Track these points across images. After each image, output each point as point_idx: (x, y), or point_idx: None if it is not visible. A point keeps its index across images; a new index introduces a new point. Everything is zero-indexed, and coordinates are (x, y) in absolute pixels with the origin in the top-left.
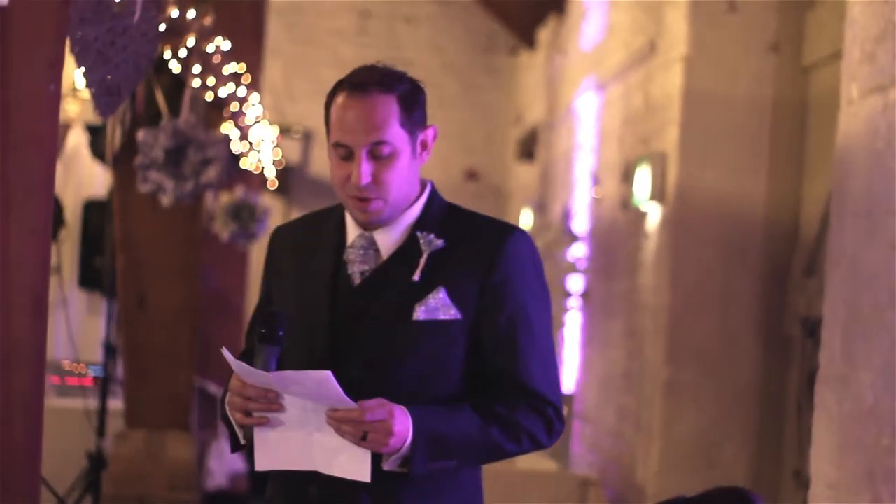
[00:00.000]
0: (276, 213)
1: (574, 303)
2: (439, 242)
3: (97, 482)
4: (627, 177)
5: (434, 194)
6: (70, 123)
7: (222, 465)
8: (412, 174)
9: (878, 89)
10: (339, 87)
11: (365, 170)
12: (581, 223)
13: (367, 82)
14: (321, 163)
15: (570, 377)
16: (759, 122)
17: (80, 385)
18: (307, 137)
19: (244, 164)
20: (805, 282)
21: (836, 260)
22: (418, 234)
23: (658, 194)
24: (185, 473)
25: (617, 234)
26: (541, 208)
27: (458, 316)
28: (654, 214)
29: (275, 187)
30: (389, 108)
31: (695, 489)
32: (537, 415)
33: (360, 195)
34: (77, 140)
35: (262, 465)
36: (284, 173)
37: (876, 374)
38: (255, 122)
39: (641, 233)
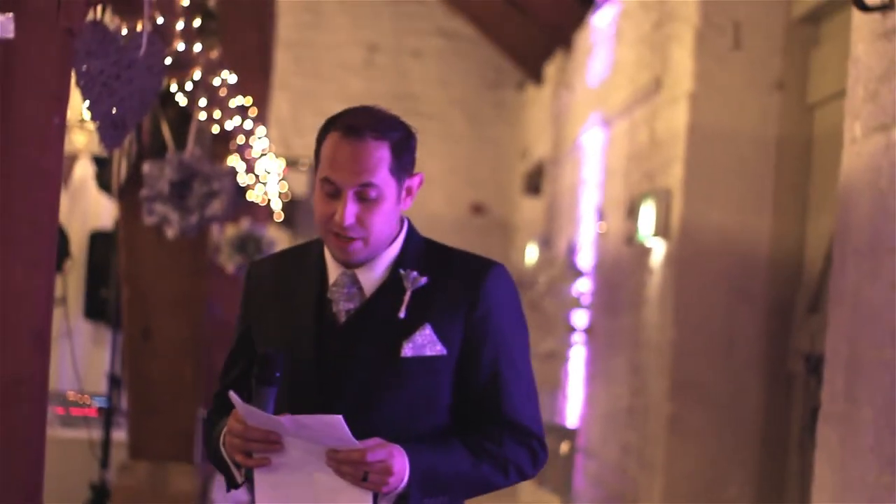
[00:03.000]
0: (283, 245)
1: (578, 338)
2: (423, 280)
3: None
4: (632, 212)
5: (412, 231)
6: (77, 155)
7: (226, 497)
8: (394, 218)
9: (881, 128)
10: (333, 125)
11: (350, 210)
12: (586, 258)
13: (361, 126)
14: None
15: (573, 412)
16: (764, 160)
17: (84, 416)
18: (314, 170)
19: (250, 196)
20: (808, 319)
21: (839, 298)
22: (401, 271)
23: (662, 230)
24: None
25: (621, 269)
26: (546, 243)
27: (444, 351)
28: (658, 250)
29: (281, 220)
30: (381, 153)
31: None
32: (523, 448)
33: (342, 234)
34: (84, 171)
35: None
36: (290, 206)
37: (877, 411)
38: (262, 155)
39: (645, 269)
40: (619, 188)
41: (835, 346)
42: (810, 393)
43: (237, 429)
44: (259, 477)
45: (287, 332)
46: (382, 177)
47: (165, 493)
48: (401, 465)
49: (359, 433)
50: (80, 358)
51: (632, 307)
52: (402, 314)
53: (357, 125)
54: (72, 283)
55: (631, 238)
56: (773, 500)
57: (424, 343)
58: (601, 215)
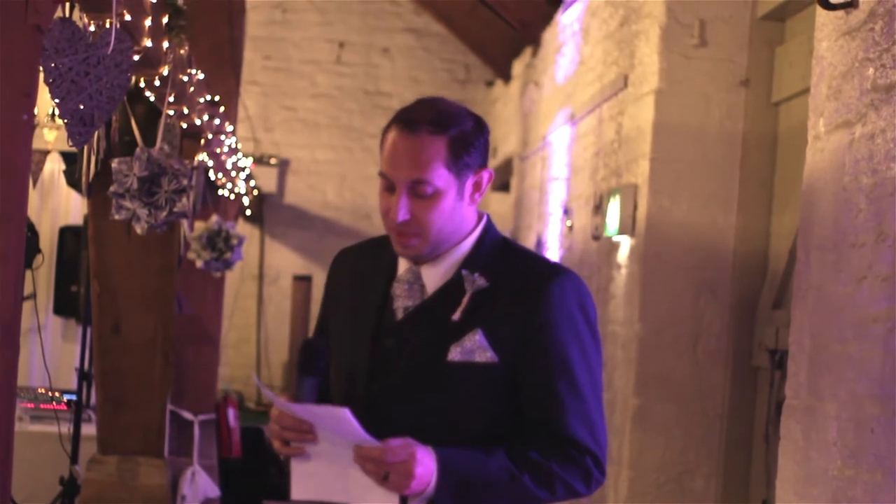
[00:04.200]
0: (252, 241)
1: None
2: (482, 282)
3: None
4: (599, 208)
5: (487, 230)
6: (47, 151)
7: (195, 491)
8: (457, 215)
9: (844, 125)
10: (396, 117)
11: (403, 206)
12: (553, 254)
13: (419, 120)
14: (296, 191)
15: None
16: (730, 156)
17: (53, 410)
18: (283, 166)
19: (219, 192)
20: (773, 314)
21: (803, 292)
22: (463, 272)
23: (629, 226)
24: (158, 499)
25: (588, 265)
26: (514, 239)
27: (495, 359)
28: (624, 246)
29: (250, 215)
30: (435, 149)
31: None
32: (573, 464)
33: (398, 229)
34: (53, 167)
35: (297, 493)
36: (259, 201)
37: (840, 405)
38: (231, 151)
39: (612, 264)
40: (586, 184)
41: (798, 340)
42: (775, 387)
43: (274, 415)
44: (295, 466)
45: (351, 324)
46: (437, 173)
47: (135, 488)
48: (424, 469)
49: (399, 435)
50: (50, 353)
51: (598, 302)
52: (455, 317)
53: (415, 119)
54: (41, 279)
55: (598, 234)
56: (738, 493)
57: (474, 349)
58: (568, 211)
